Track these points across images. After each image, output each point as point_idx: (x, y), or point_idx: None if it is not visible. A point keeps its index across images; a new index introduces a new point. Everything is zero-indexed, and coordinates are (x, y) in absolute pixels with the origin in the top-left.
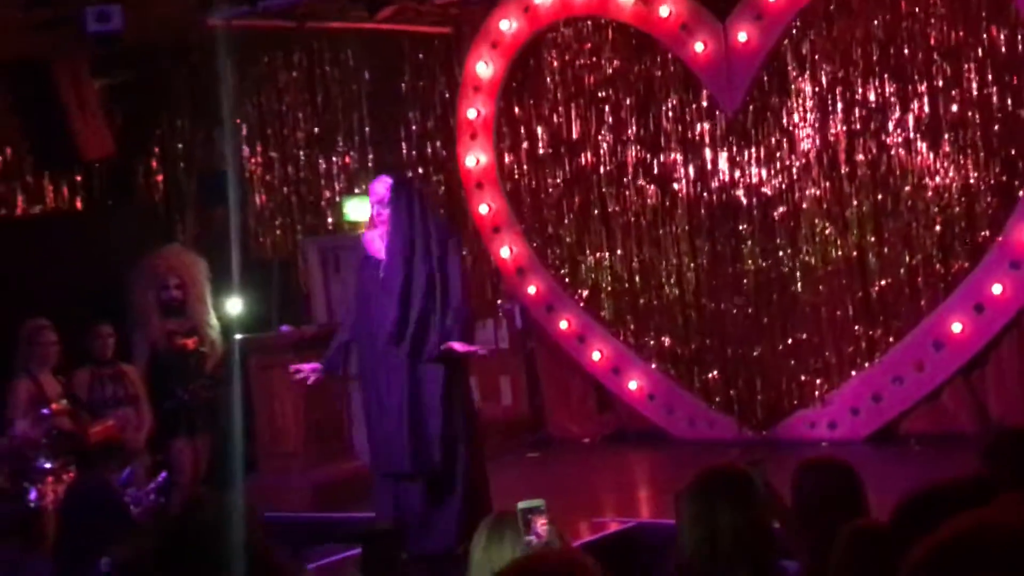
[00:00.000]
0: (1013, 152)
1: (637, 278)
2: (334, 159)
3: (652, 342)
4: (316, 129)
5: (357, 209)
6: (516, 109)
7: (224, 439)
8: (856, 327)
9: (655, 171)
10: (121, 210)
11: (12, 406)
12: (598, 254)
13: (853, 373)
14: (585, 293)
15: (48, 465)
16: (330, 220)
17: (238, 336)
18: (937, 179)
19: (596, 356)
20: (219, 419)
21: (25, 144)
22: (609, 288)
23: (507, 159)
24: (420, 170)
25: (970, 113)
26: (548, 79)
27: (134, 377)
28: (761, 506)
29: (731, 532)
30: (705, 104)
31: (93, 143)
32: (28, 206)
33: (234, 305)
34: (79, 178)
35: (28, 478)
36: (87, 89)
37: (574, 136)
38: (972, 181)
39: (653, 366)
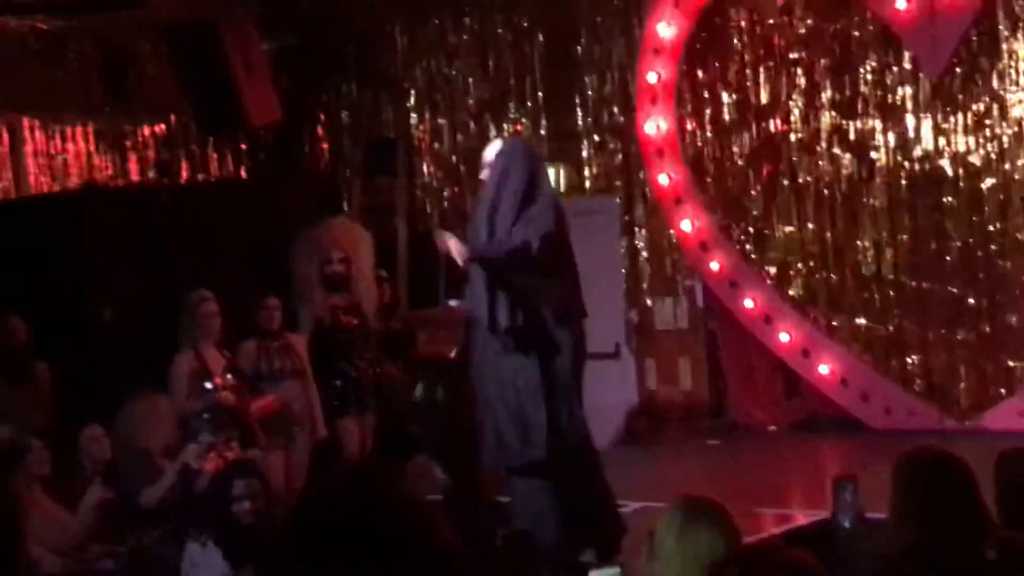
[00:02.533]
0: None
1: (830, 254)
2: (505, 126)
3: (846, 323)
4: (487, 95)
5: None
6: (699, 72)
7: (391, 418)
8: None
9: (851, 139)
10: (286, 179)
11: (175, 380)
12: (787, 228)
13: None
14: (773, 270)
15: (209, 440)
16: None
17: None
18: None
19: (784, 337)
20: (386, 397)
21: (189, 110)
22: (799, 264)
23: (689, 125)
24: (596, 138)
25: None
26: (735, 40)
27: (301, 349)
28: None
29: (953, 523)
30: (907, 67)
31: (260, 108)
32: (192, 174)
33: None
34: (243, 146)
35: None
36: (255, 52)
37: (762, 101)
38: None
39: (846, 349)
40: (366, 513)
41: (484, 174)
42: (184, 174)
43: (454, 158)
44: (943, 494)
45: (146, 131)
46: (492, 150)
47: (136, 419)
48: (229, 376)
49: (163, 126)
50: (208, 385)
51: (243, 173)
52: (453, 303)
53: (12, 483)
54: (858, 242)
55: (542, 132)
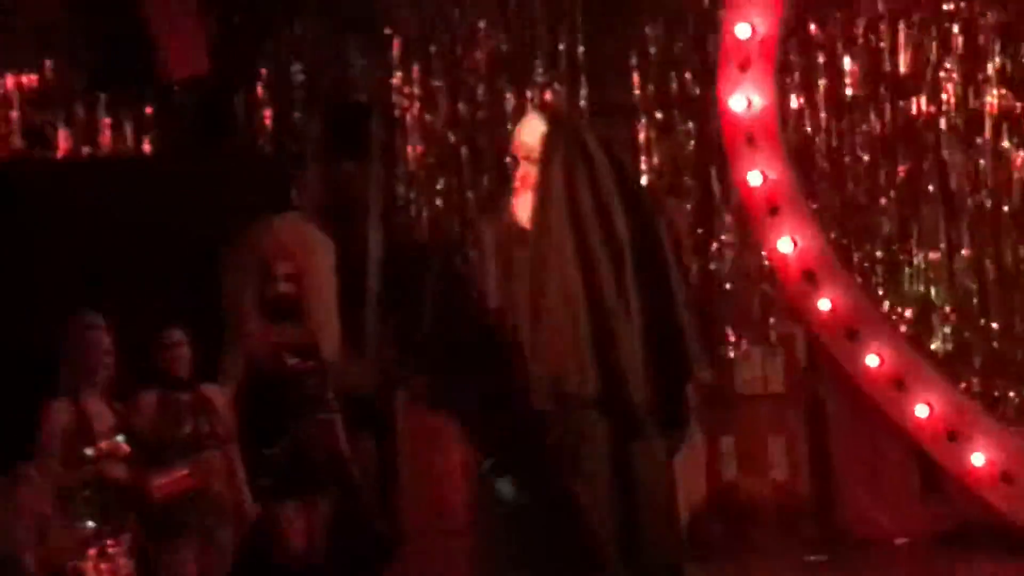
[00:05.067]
0: None
1: (992, 293)
2: (529, 94)
3: (1012, 394)
4: (504, 47)
5: None
6: (812, 26)
7: (355, 508)
8: None
9: None
10: (210, 159)
11: (46, 439)
12: (932, 254)
13: None
14: (910, 313)
15: (91, 528)
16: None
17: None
18: None
19: (923, 411)
20: (347, 474)
21: (76, 56)
22: (948, 307)
23: (795, 102)
24: (659, 115)
25: None
26: None
27: (221, 407)
28: None
29: None
30: None
31: (179, 56)
32: (74, 146)
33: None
34: (151, 110)
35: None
36: None
37: (901, 70)
38: None
39: (1012, 430)
40: None
41: (524, 166)
42: (63, 145)
43: (453, 137)
44: None
45: (9, 83)
46: (531, 131)
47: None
48: (120, 438)
49: (35, 76)
50: (89, 451)
51: (148, 147)
52: None
53: None
54: None
55: (582, 103)
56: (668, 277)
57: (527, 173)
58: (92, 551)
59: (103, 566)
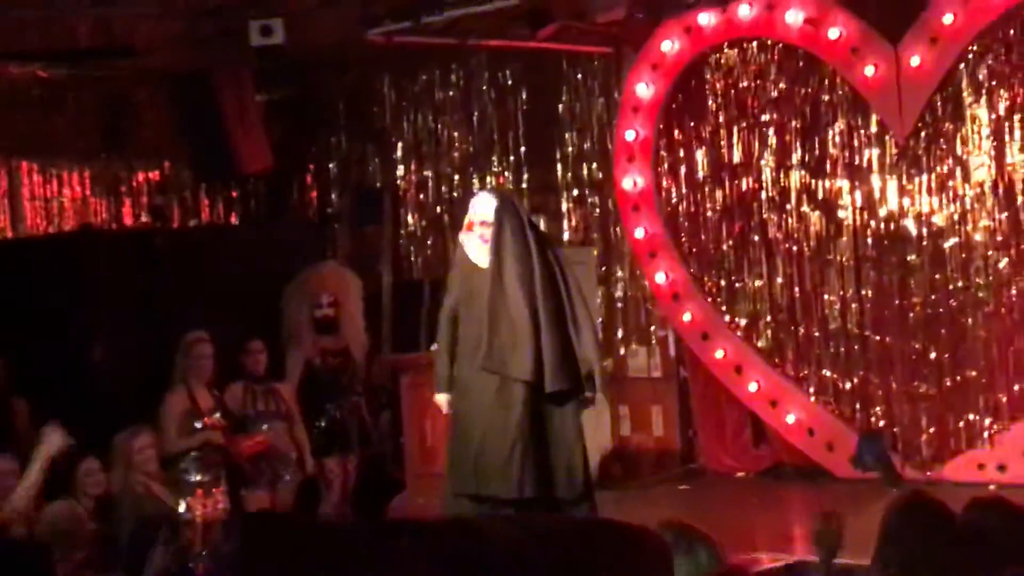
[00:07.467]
0: None
1: (798, 307)
2: (488, 179)
3: (813, 375)
4: (471, 148)
5: None
6: (676, 131)
7: (375, 458)
8: None
9: (819, 197)
10: (275, 226)
11: (167, 418)
12: (757, 282)
13: None
14: (743, 322)
15: (198, 478)
16: None
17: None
18: None
19: (753, 387)
20: (371, 438)
21: (184, 157)
22: (768, 317)
23: (665, 182)
24: (575, 192)
25: None
26: (710, 101)
27: (286, 395)
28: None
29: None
30: (874, 130)
31: (253, 157)
32: (184, 219)
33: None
34: (235, 193)
35: (179, 491)
36: (249, 102)
37: (735, 160)
38: None
39: (813, 399)
40: None
41: (481, 231)
42: (177, 219)
43: (438, 208)
44: (926, 541)
45: (141, 177)
46: (485, 205)
47: (132, 452)
48: (218, 415)
49: (157, 172)
50: (198, 424)
51: (234, 219)
52: (436, 348)
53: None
54: (825, 297)
55: (523, 185)
56: (571, 296)
57: (483, 233)
58: (199, 492)
59: (207, 502)
